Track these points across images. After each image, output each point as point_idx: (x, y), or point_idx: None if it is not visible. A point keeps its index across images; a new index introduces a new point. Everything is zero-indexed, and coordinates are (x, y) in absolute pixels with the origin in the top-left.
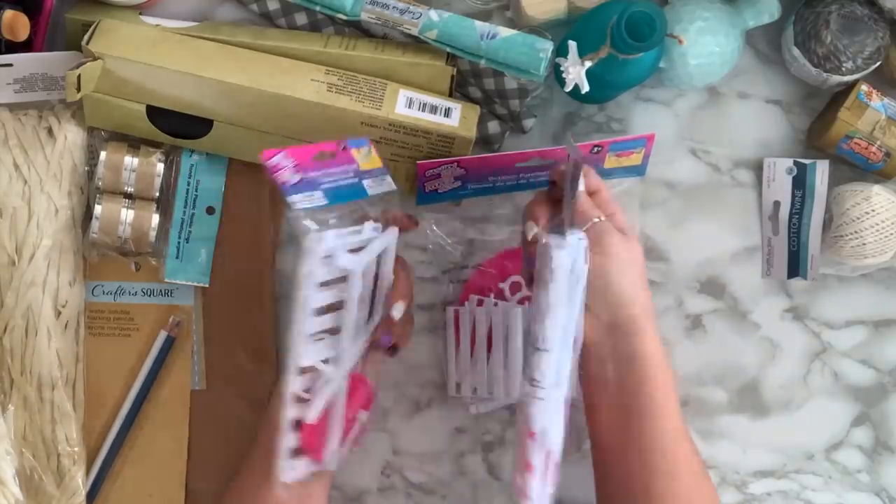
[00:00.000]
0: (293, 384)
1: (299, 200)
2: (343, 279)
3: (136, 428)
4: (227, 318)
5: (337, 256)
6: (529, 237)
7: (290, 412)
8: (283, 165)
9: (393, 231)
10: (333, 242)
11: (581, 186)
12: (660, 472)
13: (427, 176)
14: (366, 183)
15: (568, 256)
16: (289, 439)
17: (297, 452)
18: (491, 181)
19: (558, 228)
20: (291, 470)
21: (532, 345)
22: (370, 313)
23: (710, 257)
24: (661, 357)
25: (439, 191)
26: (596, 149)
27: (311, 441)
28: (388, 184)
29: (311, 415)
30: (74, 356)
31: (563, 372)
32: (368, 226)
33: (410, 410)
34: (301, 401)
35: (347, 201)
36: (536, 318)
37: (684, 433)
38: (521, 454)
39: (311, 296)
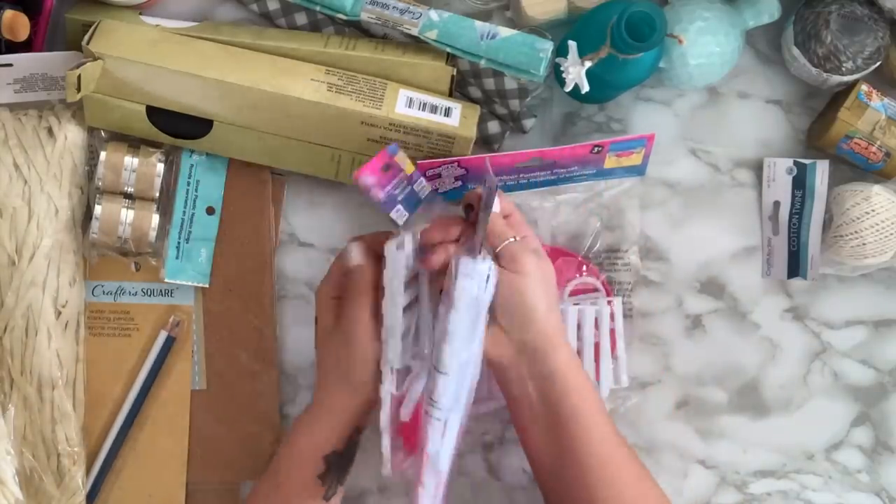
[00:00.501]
0: (388, 384)
1: (398, 217)
2: (415, 277)
3: (137, 428)
4: (227, 318)
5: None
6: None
7: (387, 411)
8: (371, 184)
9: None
10: (413, 244)
11: (496, 208)
12: (600, 480)
13: (427, 176)
14: (415, 187)
15: (473, 285)
16: (387, 438)
17: (399, 449)
18: None
19: (471, 251)
20: (398, 465)
21: (433, 366)
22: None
23: (710, 257)
24: (579, 370)
25: (440, 190)
26: (596, 149)
27: (411, 438)
28: (425, 187)
29: (406, 412)
30: (74, 356)
31: (461, 396)
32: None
33: None
34: (395, 399)
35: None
36: (438, 339)
37: (618, 439)
38: (417, 469)
39: (399, 296)
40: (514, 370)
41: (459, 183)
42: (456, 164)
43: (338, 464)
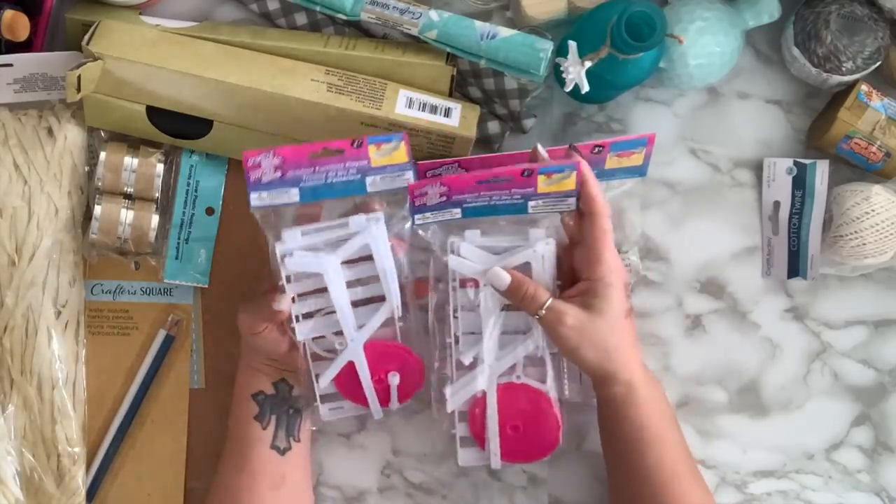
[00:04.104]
0: (311, 346)
1: (265, 198)
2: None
3: (136, 427)
4: (226, 318)
5: (295, 257)
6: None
7: (312, 369)
8: (264, 165)
9: (379, 225)
10: (292, 243)
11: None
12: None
13: (428, 177)
14: (369, 180)
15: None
16: (319, 388)
17: (333, 397)
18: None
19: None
20: (329, 411)
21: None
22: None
23: (710, 257)
24: (633, 403)
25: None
26: (597, 149)
27: (349, 394)
28: (407, 178)
29: (330, 374)
30: (74, 356)
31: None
32: (356, 219)
33: (410, 411)
34: (320, 359)
35: (336, 197)
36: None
37: (675, 467)
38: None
39: (287, 288)
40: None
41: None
42: (456, 164)
43: (270, 405)
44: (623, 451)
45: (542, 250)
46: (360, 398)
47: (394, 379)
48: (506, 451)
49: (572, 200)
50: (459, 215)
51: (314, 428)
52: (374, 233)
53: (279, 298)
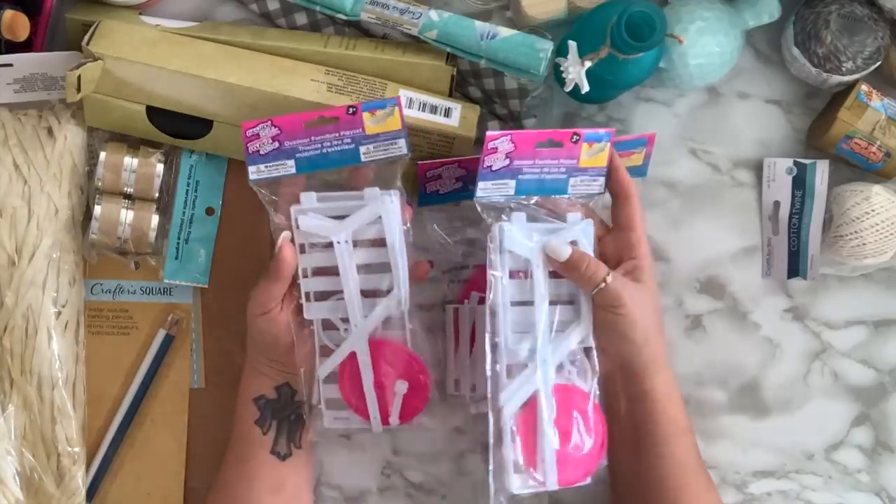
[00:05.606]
0: (319, 338)
1: (263, 170)
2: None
3: (135, 426)
4: (225, 317)
5: (308, 217)
6: None
7: (319, 366)
8: (262, 135)
9: (393, 199)
10: (307, 205)
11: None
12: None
13: (428, 177)
14: (363, 149)
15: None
16: (325, 391)
17: (337, 404)
18: None
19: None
20: (334, 419)
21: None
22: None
23: (710, 257)
24: (671, 397)
25: (440, 192)
26: None
27: (351, 397)
28: (399, 147)
29: (332, 361)
30: (74, 356)
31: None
32: (370, 190)
33: None
34: (328, 353)
35: (330, 168)
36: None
37: (697, 469)
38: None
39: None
40: (609, 385)
41: (460, 184)
42: (456, 164)
43: (272, 410)
44: (650, 448)
45: (584, 231)
46: (362, 405)
47: (401, 387)
48: (561, 469)
49: (602, 181)
50: (513, 192)
51: (315, 439)
52: (387, 205)
53: (282, 238)
